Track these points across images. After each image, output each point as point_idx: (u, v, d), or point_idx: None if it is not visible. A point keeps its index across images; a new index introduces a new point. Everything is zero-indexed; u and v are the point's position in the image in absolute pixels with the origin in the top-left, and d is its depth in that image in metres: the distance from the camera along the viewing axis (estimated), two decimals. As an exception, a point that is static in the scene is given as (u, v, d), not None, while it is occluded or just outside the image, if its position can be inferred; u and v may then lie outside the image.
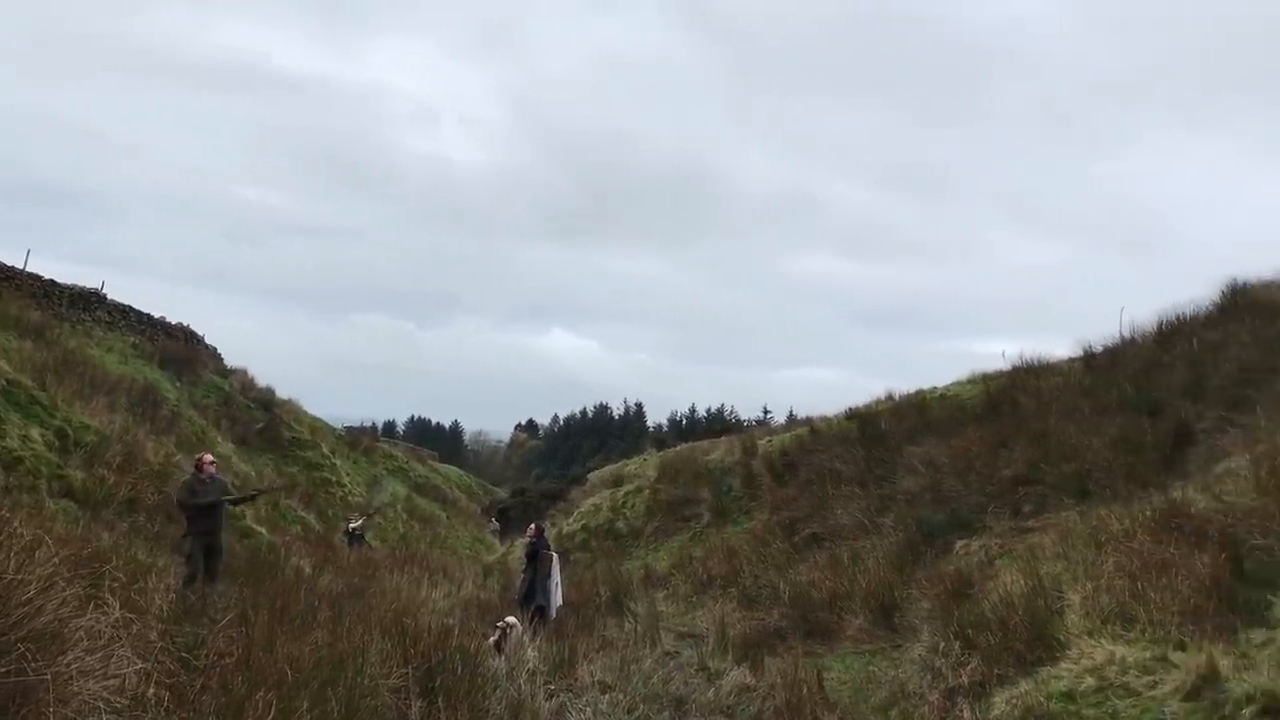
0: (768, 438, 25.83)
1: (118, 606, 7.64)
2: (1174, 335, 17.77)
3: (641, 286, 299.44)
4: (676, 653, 13.37)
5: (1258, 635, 7.86)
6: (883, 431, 21.02)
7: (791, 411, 45.96)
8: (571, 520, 26.41)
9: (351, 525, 26.30)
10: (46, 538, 7.77)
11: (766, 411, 78.69)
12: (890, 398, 23.70)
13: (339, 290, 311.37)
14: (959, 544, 14.48)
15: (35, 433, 15.94)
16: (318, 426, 39.89)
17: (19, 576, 5.71)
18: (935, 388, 23.06)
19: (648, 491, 25.06)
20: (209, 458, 14.33)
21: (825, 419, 24.63)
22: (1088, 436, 15.08)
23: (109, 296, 32.96)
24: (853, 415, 23.30)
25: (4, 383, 16.80)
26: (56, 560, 6.78)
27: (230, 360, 37.91)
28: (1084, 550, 10.85)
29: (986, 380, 21.41)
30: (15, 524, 7.61)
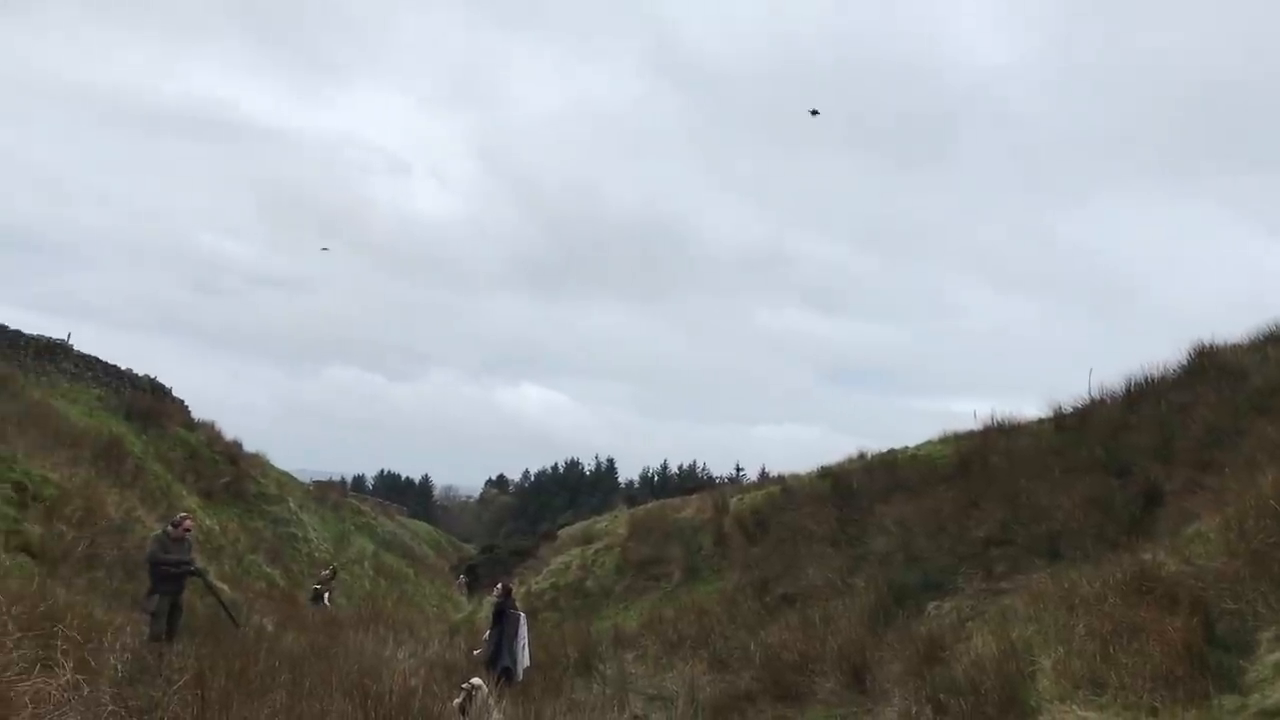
0: (739, 495, 25.69)
1: (70, 668, 7.44)
2: (1142, 397, 17.87)
3: (612, 340, 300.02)
4: (645, 716, 13.18)
5: (1230, 702, 7.80)
6: (854, 490, 20.97)
7: (764, 469, 45.95)
8: (541, 578, 26.10)
9: (321, 587, 25.57)
10: (-2, 595, 7.58)
11: (739, 469, 78.68)
12: (862, 456, 23.64)
13: (307, 342, 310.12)
14: (931, 605, 14.40)
15: (-8, 486, 15.66)
16: (285, 481, 39.46)
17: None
18: (907, 447, 23.06)
19: (618, 550, 24.83)
20: (189, 521, 14.17)
21: (797, 477, 24.54)
22: (1058, 497, 15.08)
23: (75, 348, 32.59)
24: (825, 473, 23.25)
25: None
26: (7, 620, 6.60)
27: (198, 413, 37.46)
28: (1055, 613, 10.79)
29: (958, 440, 21.42)
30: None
